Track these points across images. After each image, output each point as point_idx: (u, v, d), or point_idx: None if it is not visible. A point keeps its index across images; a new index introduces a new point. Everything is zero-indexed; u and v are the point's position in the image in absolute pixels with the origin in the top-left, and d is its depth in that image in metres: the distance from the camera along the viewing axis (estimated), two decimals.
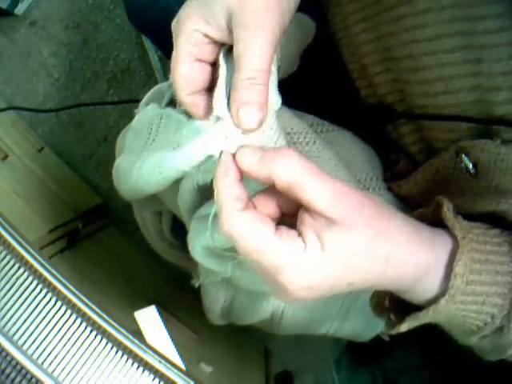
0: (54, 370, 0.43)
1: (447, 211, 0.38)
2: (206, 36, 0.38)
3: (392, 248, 0.34)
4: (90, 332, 0.44)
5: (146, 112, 0.54)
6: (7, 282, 0.45)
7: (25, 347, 0.43)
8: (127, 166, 0.51)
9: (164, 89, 0.56)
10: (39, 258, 0.46)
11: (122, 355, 0.44)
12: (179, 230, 0.66)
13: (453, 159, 0.48)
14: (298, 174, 0.32)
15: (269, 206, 0.36)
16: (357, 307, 0.58)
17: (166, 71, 1.13)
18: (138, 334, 0.47)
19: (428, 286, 0.36)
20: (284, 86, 0.42)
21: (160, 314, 0.52)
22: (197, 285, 0.60)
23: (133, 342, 0.44)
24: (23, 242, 0.46)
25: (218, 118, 0.37)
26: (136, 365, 0.44)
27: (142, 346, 0.44)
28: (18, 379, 0.42)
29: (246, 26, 0.35)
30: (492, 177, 0.44)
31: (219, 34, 0.37)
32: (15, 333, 0.43)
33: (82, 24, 1.22)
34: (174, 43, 0.39)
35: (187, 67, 0.38)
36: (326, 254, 0.33)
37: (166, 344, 0.49)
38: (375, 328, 0.64)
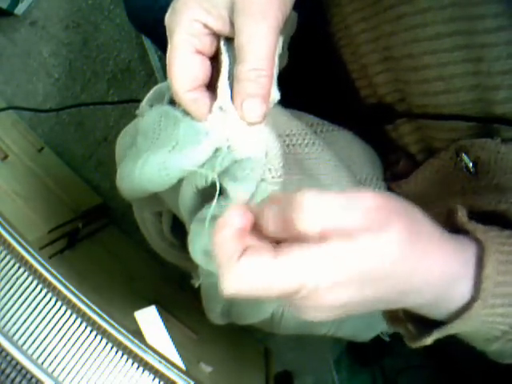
0: (54, 370, 0.43)
1: (462, 216, 0.37)
2: (206, 27, 0.35)
3: (424, 255, 0.31)
4: (90, 332, 0.44)
5: (151, 113, 0.54)
6: (7, 281, 0.45)
7: (25, 347, 0.43)
8: (131, 166, 0.51)
9: (164, 89, 0.55)
10: (39, 258, 0.46)
11: (122, 355, 0.44)
12: (179, 230, 0.66)
13: (453, 158, 0.48)
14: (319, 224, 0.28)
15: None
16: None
17: (166, 71, 1.13)
18: (138, 333, 0.47)
19: (456, 295, 0.34)
20: (284, 86, 0.42)
21: (160, 313, 0.52)
22: (196, 285, 0.60)
23: (133, 341, 0.44)
24: (23, 242, 0.46)
25: (221, 109, 0.35)
26: (136, 365, 0.44)
27: (142, 346, 0.44)
28: (18, 379, 0.42)
29: (249, 14, 0.33)
30: (492, 176, 0.44)
31: (220, 25, 0.35)
32: (15, 333, 0.43)
33: (82, 24, 1.22)
34: (170, 36, 0.36)
35: (187, 60, 0.36)
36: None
37: (166, 344, 0.49)
38: (375, 328, 0.64)
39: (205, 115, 0.36)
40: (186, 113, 0.40)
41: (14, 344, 0.43)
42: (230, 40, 0.36)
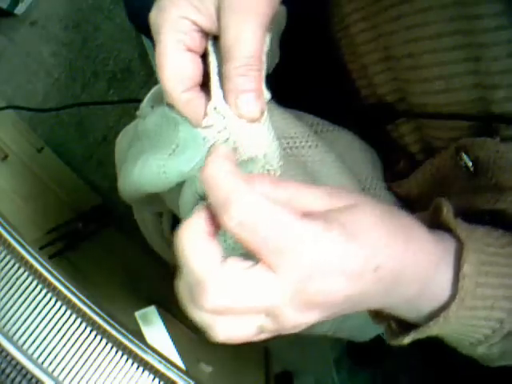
0: (53, 370, 0.43)
1: (447, 213, 0.36)
2: (195, 24, 0.33)
3: (410, 229, 0.31)
4: (90, 332, 0.44)
5: (152, 115, 0.54)
6: (7, 282, 0.44)
7: (25, 347, 0.43)
8: (130, 167, 0.51)
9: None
10: (39, 258, 0.46)
11: (122, 355, 0.44)
12: None
13: (453, 158, 0.48)
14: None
15: None
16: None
17: None
18: (138, 334, 0.47)
19: (435, 293, 0.34)
20: (284, 86, 0.42)
21: (160, 313, 0.52)
22: None
23: (133, 341, 0.44)
24: (23, 242, 0.46)
25: (216, 111, 0.34)
26: (136, 365, 0.44)
27: (142, 346, 0.44)
28: (18, 379, 0.42)
29: (236, 9, 0.32)
30: (491, 175, 0.44)
31: (209, 23, 0.33)
32: (15, 333, 0.43)
33: (82, 24, 1.22)
34: (156, 35, 0.34)
35: (178, 58, 0.33)
36: (346, 232, 0.28)
37: (166, 344, 0.49)
38: (375, 328, 0.64)
39: (201, 117, 0.34)
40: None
41: (14, 344, 0.43)
42: (217, 39, 0.35)
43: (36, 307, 0.44)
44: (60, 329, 0.44)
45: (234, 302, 0.28)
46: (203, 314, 0.29)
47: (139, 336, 0.46)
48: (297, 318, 0.29)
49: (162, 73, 0.33)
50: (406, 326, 0.36)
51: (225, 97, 0.33)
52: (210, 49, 0.35)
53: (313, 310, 0.29)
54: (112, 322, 0.44)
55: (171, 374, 0.44)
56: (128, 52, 1.21)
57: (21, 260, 0.45)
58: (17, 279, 0.45)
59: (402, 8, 0.47)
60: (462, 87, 0.45)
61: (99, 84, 1.22)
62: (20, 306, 0.44)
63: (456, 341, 0.38)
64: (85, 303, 0.45)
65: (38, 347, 0.43)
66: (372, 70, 0.54)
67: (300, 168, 0.52)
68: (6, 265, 0.45)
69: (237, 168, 0.29)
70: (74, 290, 0.45)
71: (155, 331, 0.50)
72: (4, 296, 0.44)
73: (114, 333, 0.44)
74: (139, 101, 0.57)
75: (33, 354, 0.43)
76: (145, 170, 0.48)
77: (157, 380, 0.44)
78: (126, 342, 0.44)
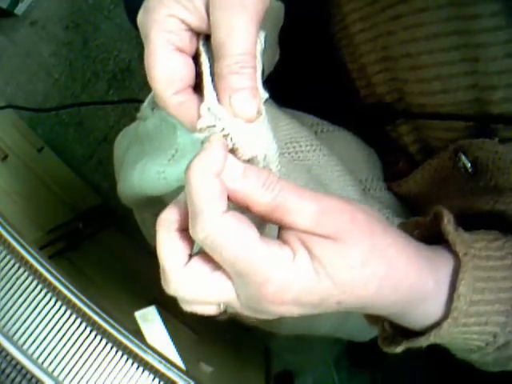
0: (53, 370, 0.43)
1: (447, 224, 0.35)
2: (183, 22, 0.32)
3: (390, 267, 0.30)
4: (90, 332, 0.44)
5: (152, 118, 0.54)
6: (7, 281, 0.45)
7: (25, 347, 0.43)
8: (130, 170, 0.51)
9: None
10: (39, 258, 0.46)
11: (122, 355, 0.44)
12: None
13: (451, 158, 0.48)
14: (277, 196, 0.29)
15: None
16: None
17: None
18: (138, 334, 0.47)
19: (428, 311, 0.34)
20: (283, 86, 0.42)
21: (160, 314, 0.52)
22: None
23: (133, 341, 0.44)
24: (23, 242, 0.46)
25: (210, 112, 0.32)
26: (136, 365, 0.44)
27: (142, 346, 0.44)
28: (18, 379, 0.42)
29: (227, 5, 0.30)
30: (490, 176, 0.44)
31: (198, 21, 0.32)
32: (15, 333, 0.43)
33: (82, 24, 1.22)
34: (145, 36, 0.33)
35: (168, 58, 0.32)
36: (316, 266, 0.29)
37: (166, 344, 0.49)
38: (375, 328, 0.64)
39: (194, 119, 0.32)
40: None
41: (14, 344, 0.43)
42: (208, 38, 0.33)
43: (36, 307, 0.44)
44: (60, 329, 0.44)
45: (192, 297, 0.31)
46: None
47: (139, 336, 0.46)
48: (253, 315, 0.32)
49: (152, 74, 0.32)
50: (399, 329, 0.36)
51: (218, 97, 0.31)
52: (202, 48, 0.33)
53: (266, 315, 0.32)
54: (112, 322, 0.44)
55: (171, 374, 0.44)
56: (128, 52, 1.21)
57: (21, 260, 0.45)
58: (17, 279, 0.45)
59: (399, 8, 0.47)
60: (458, 88, 0.45)
61: (99, 84, 1.22)
62: (20, 306, 0.44)
63: (450, 347, 0.38)
64: (85, 303, 0.45)
65: (38, 347, 0.43)
66: (371, 69, 0.54)
67: (304, 172, 0.52)
68: (5, 265, 0.45)
69: (228, 166, 0.30)
70: (74, 289, 0.45)
71: (155, 331, 0.50)
72: (4, 296, 0.44)
73: (114, 333, 0.44)
74: (139, 101, 0.57)
75: (33, 354, 0.43)
76: (145, 175, 0.48)
77: (157, 380, 0.44)
78: (126, 342, 0.44)
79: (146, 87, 1.20)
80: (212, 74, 0.32)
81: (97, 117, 1.22)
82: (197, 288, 0.30)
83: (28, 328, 0.43)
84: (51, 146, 1.22)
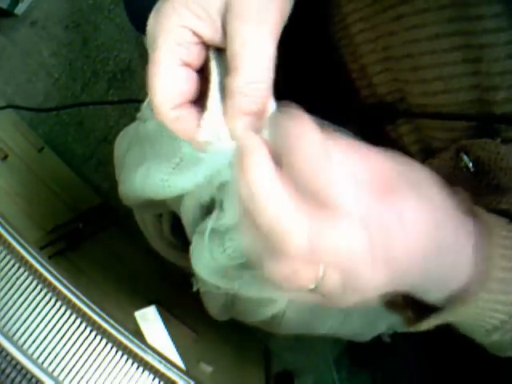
0: (53, 370, 0.43)
1: (467, 199, 0.36)
2: (195, 34, 0.31)
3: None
4: (90, 332, 0.44)
5: (153, 121, 0.54)
6: (7, 281, 0.45)
7: (25, 347, 0.43)
8: (132, 173, 0.51)
9: None
10: (39, 258, 0.46)
11: (122, 355, 0.44)
12: (179, 230, 0.66)
13: (453, 159, 0.48)
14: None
15: None
16: (357, 307, 0.58)
17: None
18: (138, 334, 0.47)
19: (462, 267, 0.33)
20: (283, 87, 0.42)
21: (160, 313, 0.52)
22: (195, 289, 0.60)
23: (133, 341, 0.44)
24: (23, 242, 0.46)
25: (212, 124, 0.32)
26: (136, 365, 0.44)
27: (142, 346, 0.44)
28: (18, 379, 0.42)
29: (245, 17, 0.29)
30: (492, 176, 0.44)
31: (211, 32, 0.31)
32: (15, 333, 0.43)
33: (82, 24, 1.22)
34: (152, 43, 0.31)
35: (172, 74, 0.31)
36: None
37: (166, 344, 0.49)
38: (375, 328, 0.64)
39: (191, 134, 0.31)
40: None
41: (14, 344, 0.43)
42: (220, 50, 0.32)
43: (36, 307, 0.44)
44: (60, 329, 0.44)
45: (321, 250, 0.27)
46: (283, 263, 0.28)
47: (139, 336, 0.46)
48: (370, 276, 0.28)
49: (152, 87, 0.31)
50: (421, 314, 0.37)
51: (224, 110, 0.31)
52: (212, 56, 0.32)
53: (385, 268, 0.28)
54: (112, 321, 0.44)
55: (171, 374, 0.44)
56: (128, 52, 1.21)
57: (21, 260, 0.45)
58: (17, 279, 0.45)
59: (401, 9, 0.47)
60: (460, 88, 0.45)
61: (99, 84, 1.22)
62: (20, 306, 0.44)
63: (471, 328, 0.38)
64: (85, 303, 0.45)
65: (38, 347, 0.43)
66: (371, 70, 0.54)
67: None
68: (5, 265, 0.45)
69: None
70: (74, 289, 0.45)
71: (155, 331, 0.50)
72: (4, 296, 0.44)
73: (114, 333, 0.44)
74: (139, 101, 0.57)
75: (33, 354, 0.43)
76: (148, 181, 0.48)
77: (157, 380, 0.44)
78: (126, 342, 0.44)
79: (146, 87, 1.20)
80: (220, 84, 0.32)
81: (97, 117, 1.22)
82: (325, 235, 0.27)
83: (28, 328, 0.43)
84: (51, 146, 1.22)
